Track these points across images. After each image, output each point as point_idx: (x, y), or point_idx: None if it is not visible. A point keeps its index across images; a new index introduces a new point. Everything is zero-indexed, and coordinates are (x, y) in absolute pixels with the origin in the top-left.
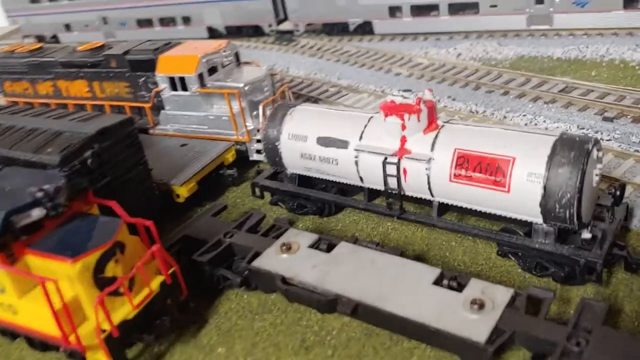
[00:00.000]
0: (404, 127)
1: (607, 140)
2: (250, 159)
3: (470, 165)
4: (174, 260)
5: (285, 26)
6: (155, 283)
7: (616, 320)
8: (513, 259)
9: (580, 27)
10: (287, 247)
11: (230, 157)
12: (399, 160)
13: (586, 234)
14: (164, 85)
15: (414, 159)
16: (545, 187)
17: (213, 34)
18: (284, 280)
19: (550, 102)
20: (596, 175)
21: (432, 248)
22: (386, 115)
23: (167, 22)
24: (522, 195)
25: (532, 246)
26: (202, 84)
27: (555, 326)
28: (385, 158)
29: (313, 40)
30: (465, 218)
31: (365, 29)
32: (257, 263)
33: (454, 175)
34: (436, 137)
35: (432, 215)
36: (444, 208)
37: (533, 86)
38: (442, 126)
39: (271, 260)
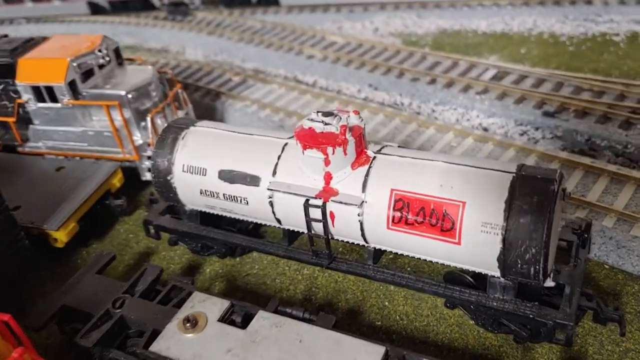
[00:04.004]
0: (327, 163)
1: (550, 138)
2: (142, 179)
3: (411, 210)
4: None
5: None
6: None
7: None
8: (464, 310)
9: None
10: (193, 323)
11: (116, 182)
12: (324, 203)
13: (549, 283)
14: (27, 96)
15: (343, 202)
16: (504, 240)
17: (95, 9)
18: None
19: (483, 92)
20: (562, 218)
21: (367, 296)
22: (305, 148)
23: None
24: (476, 247)
25: (488, 304)
26: (75, 94)
27: None
28: (307, 200)
29: (211, 14)
30: (403, 257)
31: (269, 0)
32: (157, 347)
33: (392, 221)
34: (367, 173)
35: (367, 264)
36: (380, 250)
37: (461, 72)
38: (374, 158)
39: (173, 342)
